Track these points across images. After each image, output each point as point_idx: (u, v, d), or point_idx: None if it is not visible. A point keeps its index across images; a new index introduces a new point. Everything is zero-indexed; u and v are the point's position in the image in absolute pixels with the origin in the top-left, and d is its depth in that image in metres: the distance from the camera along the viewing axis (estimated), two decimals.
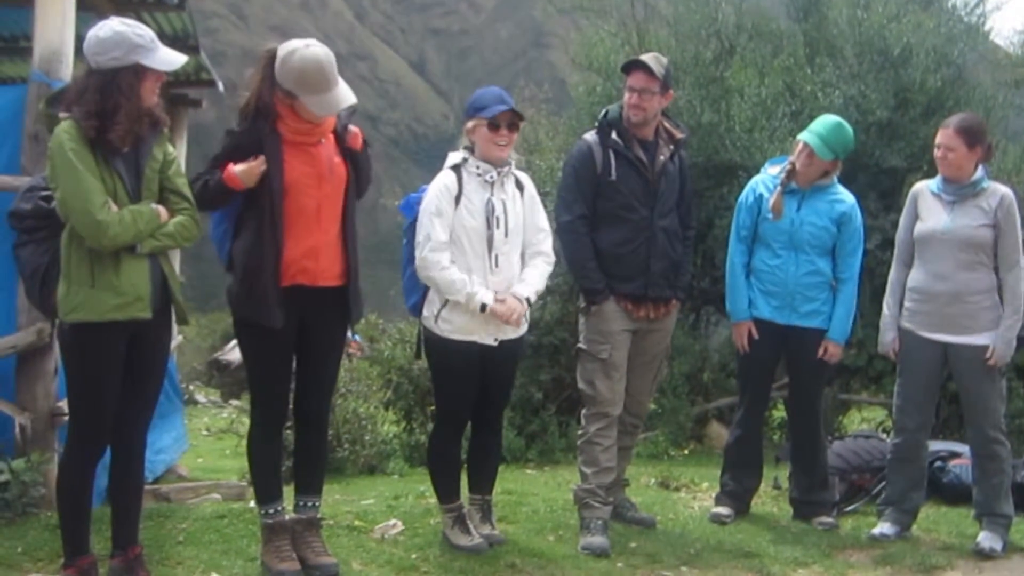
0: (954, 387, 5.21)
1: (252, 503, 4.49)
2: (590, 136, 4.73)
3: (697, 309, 9.40)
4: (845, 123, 4.94)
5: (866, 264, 5.33)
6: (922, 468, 5.00)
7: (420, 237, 4.13)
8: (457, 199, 4.14)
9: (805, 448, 5.17)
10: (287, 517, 4.00)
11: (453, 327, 4.16)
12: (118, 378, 3.57)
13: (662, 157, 4.69)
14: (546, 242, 4.36)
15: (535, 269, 4.30)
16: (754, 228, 5.00)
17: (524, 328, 4.34)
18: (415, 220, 4.24)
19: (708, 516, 5.07)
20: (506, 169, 4.25)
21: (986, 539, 4.69)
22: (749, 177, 5.42)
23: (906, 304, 4.84)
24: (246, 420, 4.58)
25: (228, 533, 4.32)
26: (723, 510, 5.09)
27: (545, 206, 4.55)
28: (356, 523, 4.57)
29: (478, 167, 4.20)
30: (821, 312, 4.93)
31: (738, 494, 5.20)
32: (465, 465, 4.51)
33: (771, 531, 4.91)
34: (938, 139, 4.72)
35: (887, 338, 4.90)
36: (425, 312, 4.25)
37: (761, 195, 4.98)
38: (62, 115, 3.47)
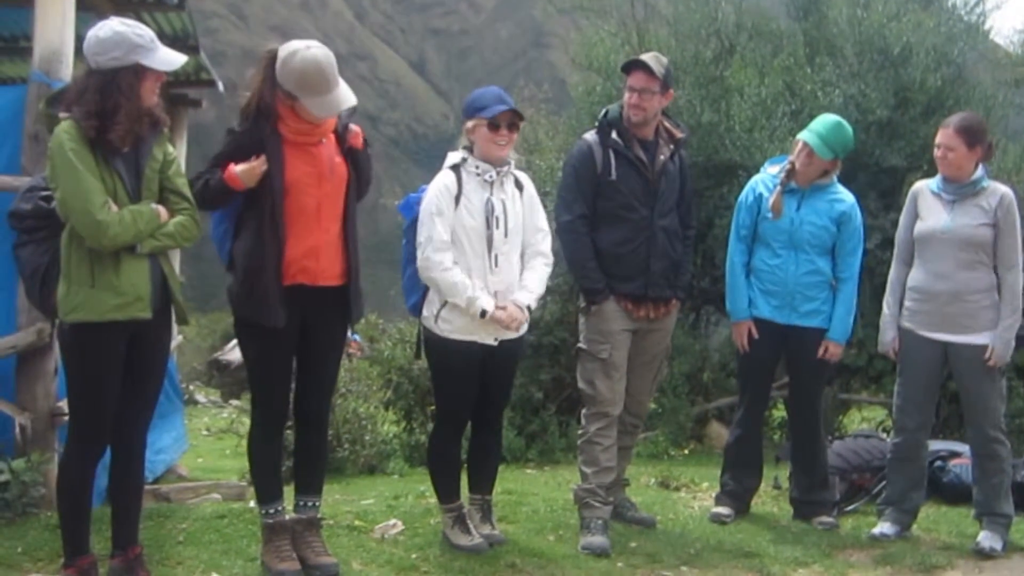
0: (954, 386, 5.21)
1: (252, 503, 4.50)
2: (590, 136, 4.73)
3: (697, 309, 9.40)
4: (845, 122, 4.94)
5: (866, 263, 5.34)
6: (922, 468, 5.00)
7: (422, 237, 4.13)
8: (457, 199, 4.14)
9: (805, 448, 5.17)
10: (287, 517, 4.00)
11: (453, 327, 4.16)
12: (118, 378, 3.57)
13: (662, 157, 4.68)
14: (545, 242, 4.36)
15: (535, 272, 4.30)
16: (754, 227, 5.00)
17: (524, 328, 4.34)
18: (415, 220, 4.24)
19: (708, 516, 5.07)
20: (505, 169, 4.25)
21: (986, 539, 4.68)
22: (749, 176, 5.42)
23: (906, 303, 4.84)
24: (246, 420, 4.58)
25: (228, 533, 4.32)
26: (723, 510, 5.09)
27: (545, 206, 4.55)
28: (356, 523, 4.57)
29: (477, 167, 4.20)
30: (821, 311, 4.93)
31: (738, 494, 5.20)
32: (465, 465, 4.51)
33: (771, 531, 4.91)
34: (938, 139, 4.72)
35: (887, 337, 4.90)
36: (425, 312, 4.25)
37: (761, 194, 4.98)
38: (62, 115, 3.47)
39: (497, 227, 4.17)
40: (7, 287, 4.60)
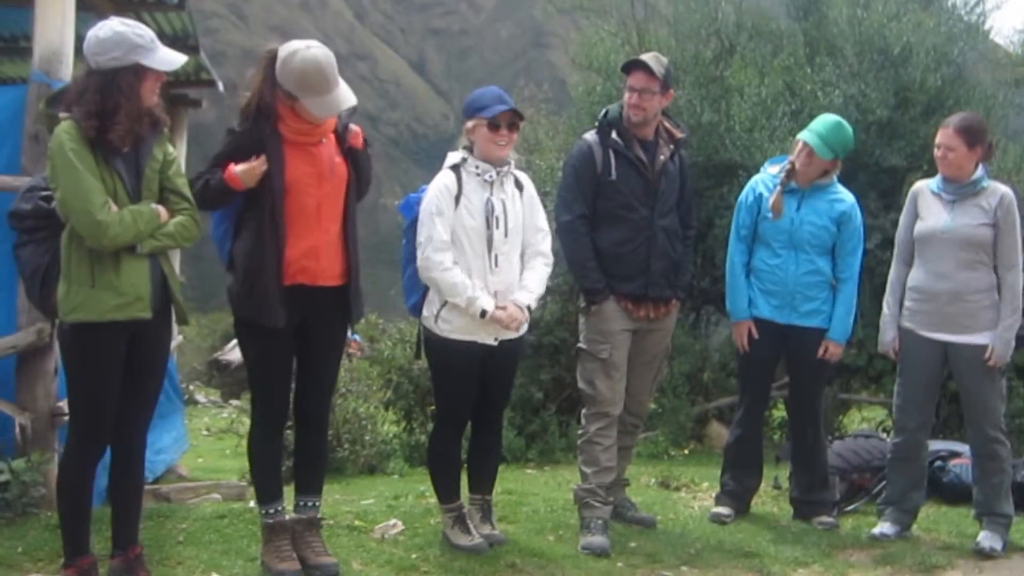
0: (954, 386, 5.21)
1: (252, 503, 4.50)
2: (590, 136, 4.73)
3: (697, 309, 9.40)
4: (845, 122, 4.94)
5: (866, 263, 5.34)
6: (922, 468, 4.99)
7: (422, 237, 4.13)
8: (457, 199, 4.14)
9: (805, 448, 5.17)
10: (287, 517, 4.00)
11: (453, 327, 4.16)
12: (118, 378, 3.57)
13: (662, 157, 4.68)
14: (545, 242, 4.36)
15: (535, 273, 4.30)
16: (754, 227, 5.00)
17: (524, 328, 4.34)
18: (415, 220, 4.24)
19: (708, 516, 5.07)
20: (505, 169, 4.25)
21: (986, 539, 4.68)
22: (749, 176, 5.42)
23: (906, 303, 4.84)
24: (246, 420, 4.58)
25: (228, 533, 4.32)
26: (723, 510, 5.09)
27: (545, 206, 4.55)
28: (356, 523, 4.57)
29: (477, 167, 4.20)
30: (821, 311, 4.93)
31: (738, 494, 5.20)
32: (465, 465, 4.51)
33: (771, 531, 4.91)
34: (938, 139, 4.72)
35: (887, 337, 4.90)
36: (425, 312, 4.25)
37: (761, 194, 4.98)
38: (62, 115, 3.47)
39: (497, 227, 4.17)
40: (7, 287, 4.60)
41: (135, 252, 3.51)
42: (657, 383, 5.14)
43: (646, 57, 4.67)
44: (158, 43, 3.55)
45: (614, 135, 4.64)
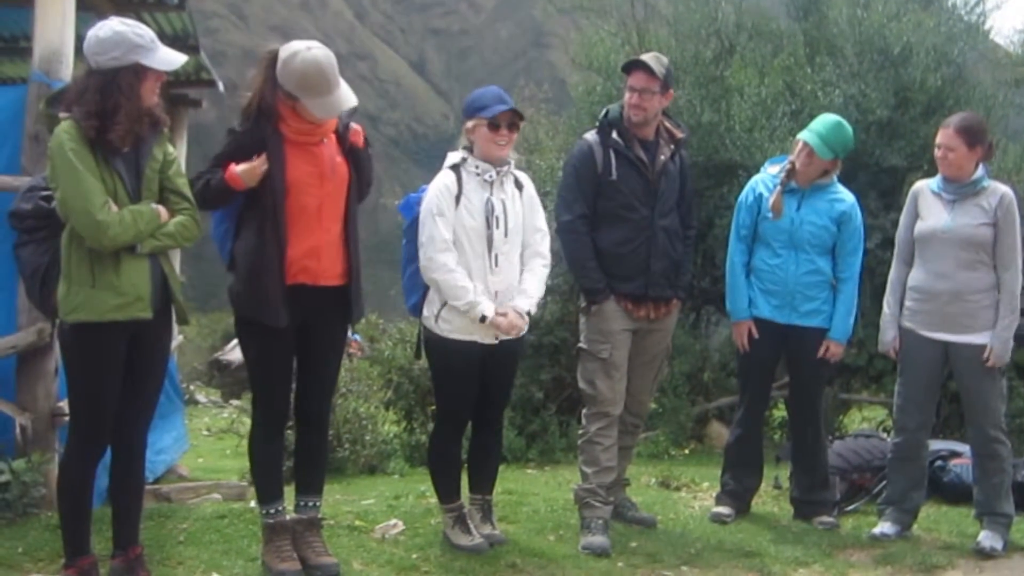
0: (955, 386, 5.20)
1: (253, 503, 4.50)
2: (591, 136, 4.73)
3: (697, 309, 9.40)
4: (845, 122, 4.94)
5: (866, 263, 5.34)
6: (923, 467, 4.99)
7: (423, 238, 4.13)
8: (457, 199, 4.14)
9: (806, 448, 5.17)
10: (288, 517, 4.00)
11: (453, 327, 4.16)
12: (118, 378, 3.57)
13: (663, 157, 4.68)
14: (544, 243, 4.36)
15: (534, 276, 4.30)
16: (754, 227, 5.00)
17: (524, 329, 4.34)
18: (415, 220, 4.24)
19: (709, 516, 5.07)
20: (505, 169, 4.25)
21: (987, 538, 4.68)
22: (749, 176, 5.42)
23: (907, 303, 4.84)
24: (246, 420, 4.58)
25: (229, 533, 4.32)
26: (724, 510, 5.09)
27: (545, 206, 4.55)
28: (357, 523, 4.57)
29: (477, 167, 4.20)
30: (821, 311, 4.93)
31: (739, 494, 5.20)
32: (466, 465, 4.51)
33: (772, 531, 4.91)
34: (938, 139, 4.72)
35: (887, 337, 4.89)
36: (425, 312, 4.25)
37: (761, 194, 4.98)
38: (62, 115, 3.47)
39: (497, 227, 4.17)
40: (7, 287, 4.60)
41: (135, 252, 3.51)
42: (657, 383, 5.14)
43: (646, 57, 4.67)
44: (158, 43, 3.55)
45: (614, 135, 4.64)
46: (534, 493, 5.52)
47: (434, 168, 4.34)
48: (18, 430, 4.57)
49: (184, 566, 3.93)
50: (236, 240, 3.88)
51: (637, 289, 4.62)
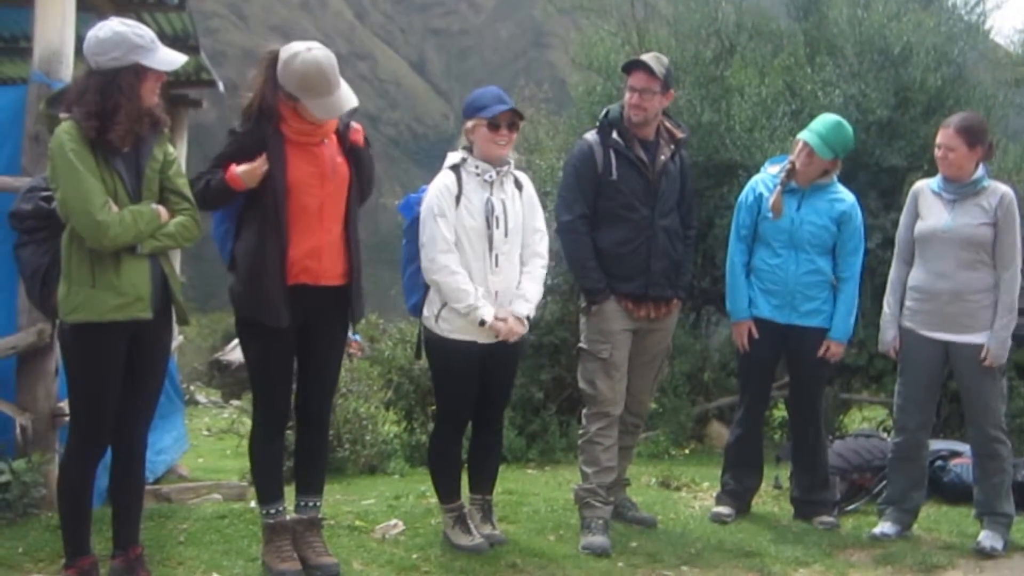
0: (955, 386, 5.20)
1: (253, 503, 4.50)
2: (591, 136, 4.73)
3: (698, 308, 9.41)
4: (845, 122, 4.94)
5: (867, 263, 5.34)
6: (923, 467, 4.99)
7: (425, 239, 4.13)
8: (457, 199, 4.14)
9: (806, 447, 5.16)
10: (288, 517, 4.00)
11: (453, 327, 4.16)
12: (119, 378, 3.57)
13: (663, 157, 4.68)
14: (542, 243, 4.36)
15: (533, 279, 4.30)
16: (754, 227, 5.00)
17: (525, 329, 4.34)
18: (415, 220, 4.24)
19: (709, 515, 5.07)
20: (505, 169, 4.25)
21: (987, 538, 4.68)
22: (749, 176, 5.42)
23: (907, 303, 4.84)
24: (246, 420, 4.59)
25: (229, 533, 4.32)
26: (724, 509, 5.09)
27: (545, 206, 4.56)
28: (357, 523, 4.57)
29: (477, 167, 4.20)
30: (821, 311, 4.93)
31: (739, 493, 5.20)
32: (466, 465, 4.51)
33: (772, 530, 4.91)
34: (939, 139, 4.72)
35: (888, 337, 4.89)
36: (425, 312, 4.25)
37: (761, 194, 4.98)
38: (62, 115, 3.47)
39: (497, 227, 4.17)
40: (8, 287, 4.60)
41: (135, 252, 3.51)
42: (658, 383, 5.14)
43: (646, 57, 4.67)
44: (158, 43, 3.54)
45: (615, 135, 4.64)
46: (534, 493, 5.52)
47: (434, 168, 4.34)
48: (18, 430, 4.57)
49: (184, 566, 3.93)
50: (236, 240, 3.88)
51: (637, 289, 4.62)
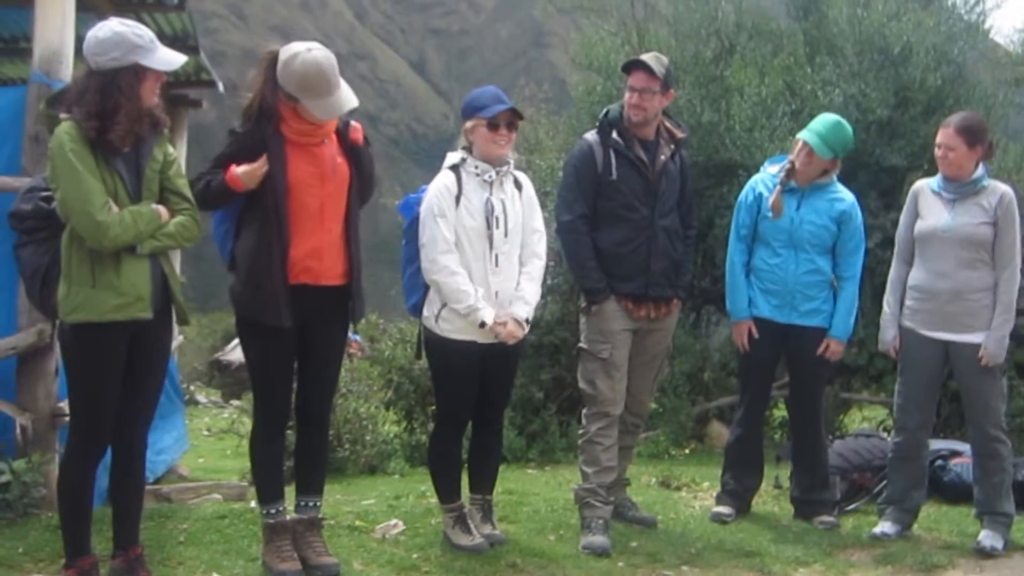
0: (955, 385, 5.20)
1: (253, 503, 4.50)
2: (591, 136, 4.73)
3: (698, 308, 9.41)
4: (844, 122, 4.94)
5: (867, 263, 5.34)
6: (923, 467, 4.99)
7: (425, 239, 4.13)
8: (457, 199, 4.14)
9: (806, 447, 5.17)
10: (288, 517, 4.00)
11: (453, 327, 4.16)
12: (119, 378, 3.57)
13: (663, 157, 4.68)
14: (541, 243, 4.36)
15: (531, 281, 4.29)
16: (754, 227, 5.00)
17: (524, 331, 4.34)
18: (414, 220, 4.24)
19: (709, 515, 5.07)
20: (505, 169, 4.25)
21: (987, 538, 4.68)
22: (749, 176, 5.42)
23: (907, 302, 4.84)
24: (247, 420, 4.59)
25: (229, 533, 4.32)
26: (724, 509, 5.09)
27: (546, 206, 4.55)
28: (357, 523, 4.57)
29: (477, 167, 4.20)
30: (821, 311, 4.93)
31: (739, 493, 5.20)
32: (466, 465, 4.51)
33: (772, 530, 4.91)
34: (939, 138, 4.72)
35: (888, 336, 4.89)
36: (425, 312, 4.25)
37: (761, 194, 4.98)
38: (62, 116, 3.47)
39: (497, 227, 4.17)
40: (8, 288, 4.60)
41: (135, 252, 3.51)
42: (658, 383, 5.14)
43: (646, 57, 4.67)
44: (158, 43, 3.54)
45: (615, 135, 4.64)
46: (534, 493, 5.52)
47: (434, 168, 4.34)
48: (18, 430, 4.57)
49: (184, 566, 3.93)
50: (237, 240, 3.88)
51: (637, 289, 4.62)
